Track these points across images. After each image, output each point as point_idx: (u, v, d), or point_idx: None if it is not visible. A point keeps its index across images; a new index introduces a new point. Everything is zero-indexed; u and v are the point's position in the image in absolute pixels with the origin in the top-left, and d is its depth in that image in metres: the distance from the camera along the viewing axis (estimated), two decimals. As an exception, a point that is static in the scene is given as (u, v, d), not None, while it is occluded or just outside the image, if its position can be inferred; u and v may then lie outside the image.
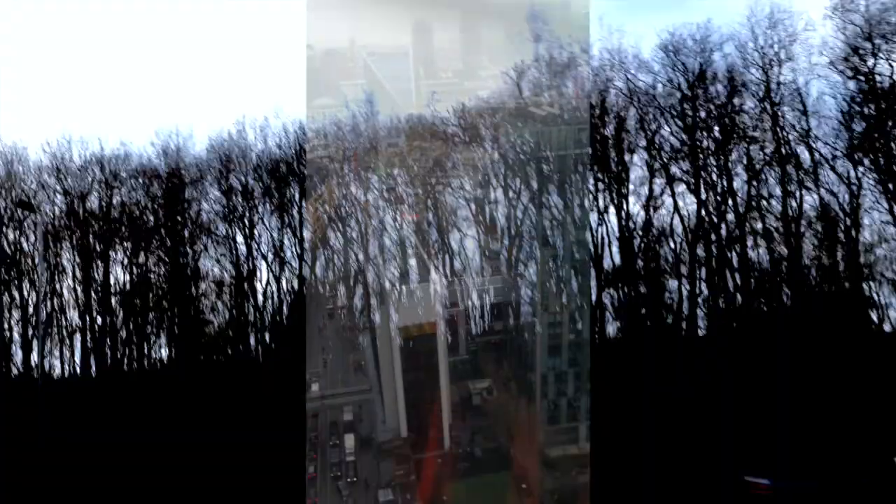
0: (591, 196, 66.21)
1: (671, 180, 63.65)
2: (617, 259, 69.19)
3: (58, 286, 72.15)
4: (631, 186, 68.46)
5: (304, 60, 78.72)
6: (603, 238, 67.86)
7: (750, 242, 65.23)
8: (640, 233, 65.90)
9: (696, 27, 63.40)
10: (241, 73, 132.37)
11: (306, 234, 67.13)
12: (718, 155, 64.31)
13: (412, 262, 53.75)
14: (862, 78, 60.03)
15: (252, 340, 71.65)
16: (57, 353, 72.54)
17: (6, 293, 70.39)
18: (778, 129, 62.74)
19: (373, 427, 50.64)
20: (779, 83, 61.88)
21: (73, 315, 73.21)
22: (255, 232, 72.28)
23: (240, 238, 73.09)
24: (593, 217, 69.26)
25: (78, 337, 71.97)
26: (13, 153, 72.97)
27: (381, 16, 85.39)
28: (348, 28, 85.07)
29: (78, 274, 72.34)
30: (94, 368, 71.52)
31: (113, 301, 71.28)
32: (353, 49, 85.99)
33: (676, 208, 64.05)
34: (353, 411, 52.06)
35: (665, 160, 64.73)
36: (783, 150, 62.75)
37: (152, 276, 73.63)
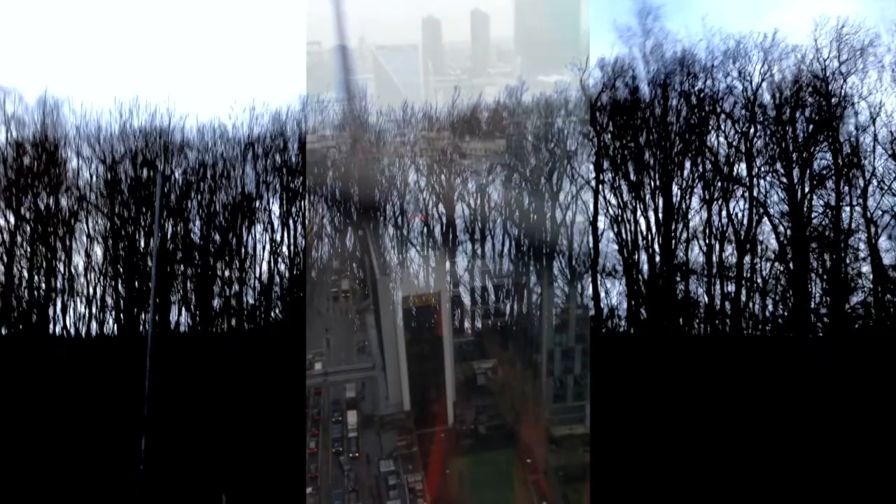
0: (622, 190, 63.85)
1: (729, 180, 59.95)
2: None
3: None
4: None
5: (305, 55, 79.09)
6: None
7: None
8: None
9: (762, 36, 60.76)
10: (242, 69, 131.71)
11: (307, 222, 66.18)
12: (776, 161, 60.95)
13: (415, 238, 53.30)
14: None
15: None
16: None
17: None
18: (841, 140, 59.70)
19: (375, 405, 49.90)
20: (843, 95, 59.43)
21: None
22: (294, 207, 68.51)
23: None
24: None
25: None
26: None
27: (390, 11, 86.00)
28: (356, 23, 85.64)
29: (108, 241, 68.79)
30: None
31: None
32: (361, 44, 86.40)
33: (728, 211, 60.47)
34: (356, 389, 51.30)
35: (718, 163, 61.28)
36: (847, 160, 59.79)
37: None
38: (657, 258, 58.68)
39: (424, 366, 47.17)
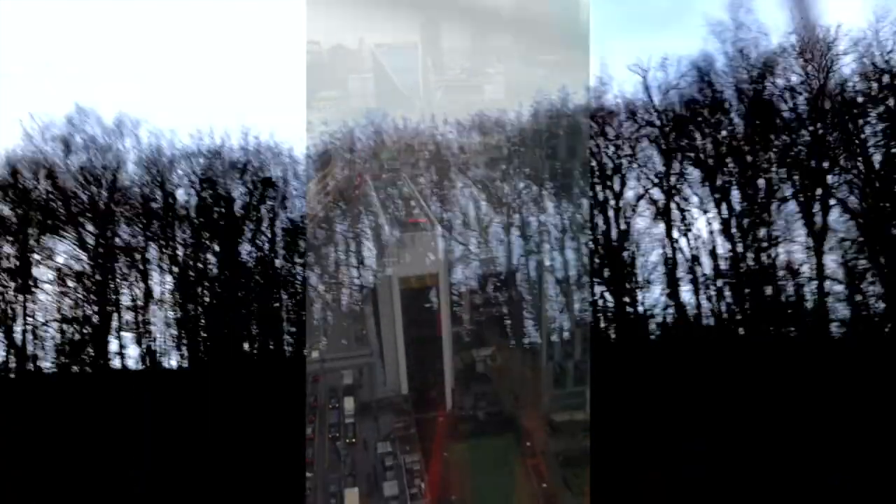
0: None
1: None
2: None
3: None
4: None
5: (305, 53, 78.72)
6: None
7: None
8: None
9: (824, 30, 58.38)
10: (243, 66, 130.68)
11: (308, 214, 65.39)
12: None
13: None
14: None
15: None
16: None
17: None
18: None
19: (372, 392, 49.27)
20: None
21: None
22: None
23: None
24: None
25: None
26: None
27: (389, 12, 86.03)
28: (355, 23, 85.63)
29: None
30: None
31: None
32: (361, 43, 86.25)
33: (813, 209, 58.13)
34: (353, 376, 50.68)
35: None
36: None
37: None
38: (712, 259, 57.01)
39: (423, 351, 46.67)
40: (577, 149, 60.51)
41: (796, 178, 56.20)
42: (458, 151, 68.45)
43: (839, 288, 55.08)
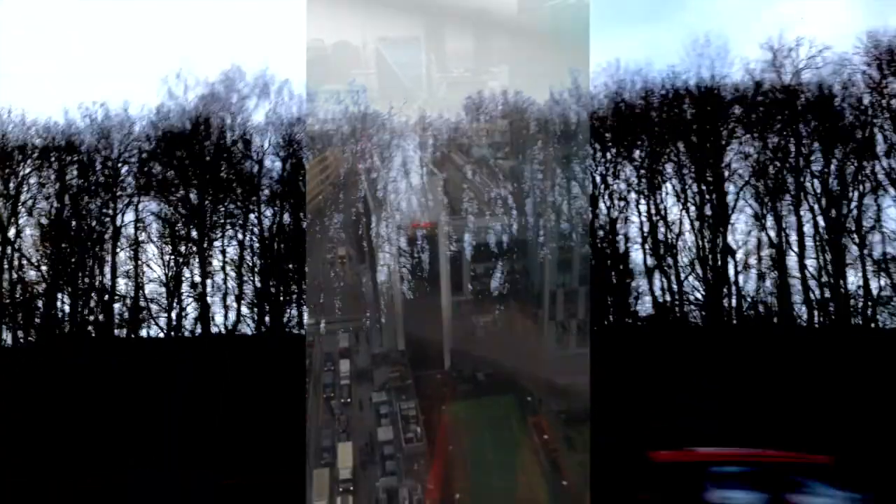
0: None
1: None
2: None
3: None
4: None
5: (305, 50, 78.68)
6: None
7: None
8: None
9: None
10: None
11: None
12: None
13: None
14: None
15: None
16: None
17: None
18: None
19: (369, 352, 47.96)
20: None
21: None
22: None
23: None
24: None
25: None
26: None
27: (391, 11, 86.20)
28: (357, 18, 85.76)
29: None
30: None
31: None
32: (364, 38, 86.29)
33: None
34: (350, 339, 49.36)
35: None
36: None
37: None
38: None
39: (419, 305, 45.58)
40: (579, 128, 59.91)
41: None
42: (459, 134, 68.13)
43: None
